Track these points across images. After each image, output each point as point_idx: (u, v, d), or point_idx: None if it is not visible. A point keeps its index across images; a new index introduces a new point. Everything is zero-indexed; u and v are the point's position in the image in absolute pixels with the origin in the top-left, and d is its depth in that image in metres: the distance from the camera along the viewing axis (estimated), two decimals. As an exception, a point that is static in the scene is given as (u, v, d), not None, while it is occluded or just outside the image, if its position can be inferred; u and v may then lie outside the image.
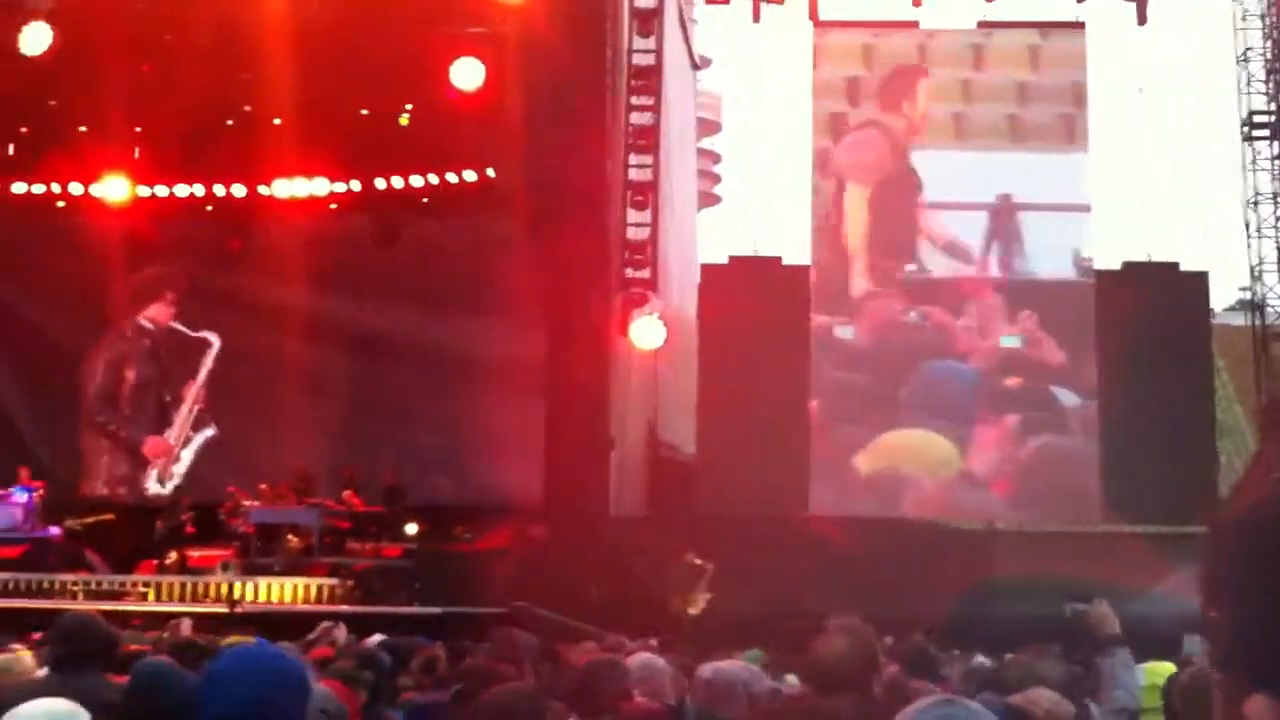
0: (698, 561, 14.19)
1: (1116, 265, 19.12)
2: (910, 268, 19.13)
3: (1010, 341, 18.81)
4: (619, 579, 14.56)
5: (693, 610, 13.55)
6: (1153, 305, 18.02)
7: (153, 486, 19.51)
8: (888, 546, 15.99)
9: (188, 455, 19.68)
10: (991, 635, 10.19)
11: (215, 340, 19.52)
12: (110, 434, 19.85)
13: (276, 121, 18.03)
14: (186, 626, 8.87)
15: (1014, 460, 18.42)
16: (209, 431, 19.61)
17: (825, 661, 3.49)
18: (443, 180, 19.11)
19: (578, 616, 12.05)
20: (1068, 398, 18.66)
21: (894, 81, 19.36)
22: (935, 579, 14.99)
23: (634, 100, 17.03)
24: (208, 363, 19.61)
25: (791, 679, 6.49)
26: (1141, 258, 19.22)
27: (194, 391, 19.63)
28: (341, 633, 8.41)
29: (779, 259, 19.55)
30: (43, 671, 5.41)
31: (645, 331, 16.50)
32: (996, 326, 18.94)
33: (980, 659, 6.57)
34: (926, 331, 18.91)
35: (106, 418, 19.83)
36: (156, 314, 19.78)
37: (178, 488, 19.42)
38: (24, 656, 6.72)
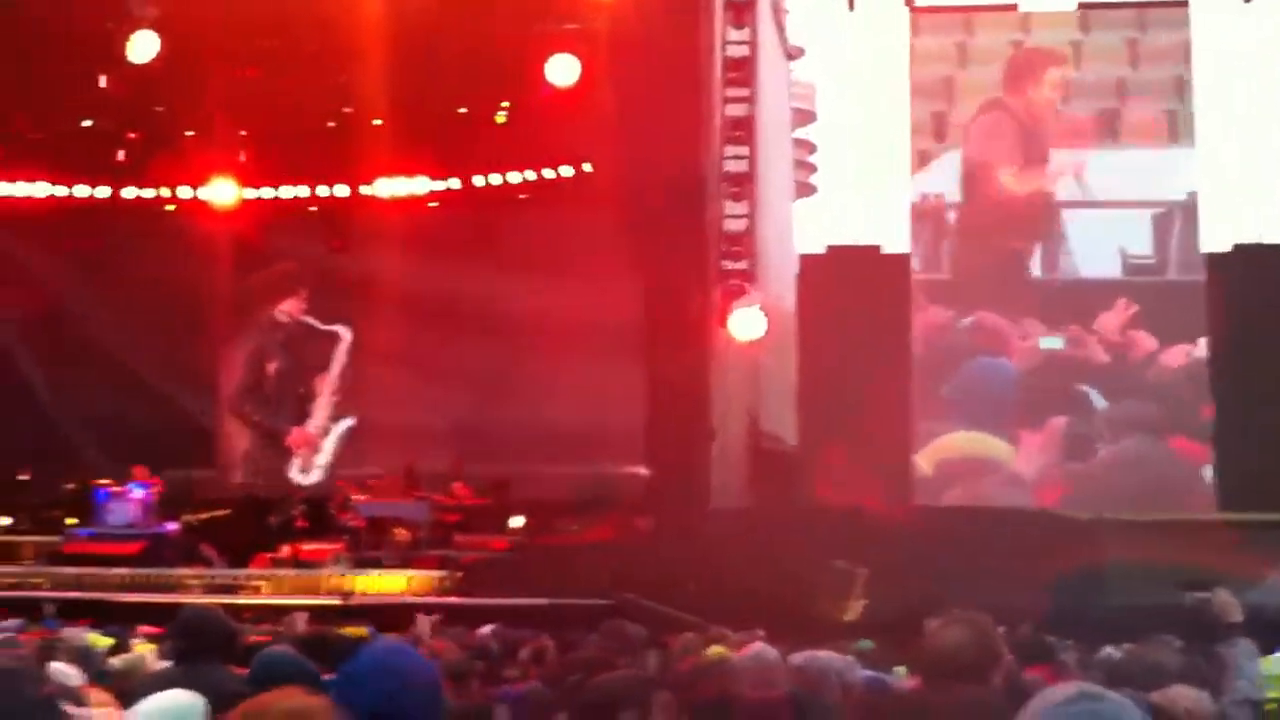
0: (849, 567, 13.99)
1: (1227, 248, 18.68)
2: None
3: (1051, 343, 18.53)
4: (722, 570, 14.55)
5: (849, 617, 13.37)
6: (1265, 287, 17.57)
7: (296, 476, 19.97)
8: (994, 536, 15.77)
9: (328, 445, 20.12)
10: (1103, 626, 10.02)
11: (346, 333, 19.93)
12: (255, 425, 20.35)
13: (376, 122, 18.29)
14: (301, 620, 9.05)
15: (1065, 464, 18.15)
16: (348, 422, 20.03)
17: (942, 651, 3.44)
18: (539, 176, 19.27)
19: (681, 608, 12.05)
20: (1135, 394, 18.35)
21: (1016, 65, 19.07)
22: (1043, 569, 14.75)
23: (729, 92, 16.96)
24: (340, 355, 20.06)
25: (901, 671, 6.45)
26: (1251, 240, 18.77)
27: (329, 383, 20.06)
28: (425, 625, 8.54)
29: (877, 247, 19.40)
30: (164, 664, 5.57)
31: (745, 323, 16.44)
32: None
33: (1109, 650, 6.46)
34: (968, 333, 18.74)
35: (251, 409, 20.33)
36: (290, 308, 20.25)
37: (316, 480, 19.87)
38: (145, 655, 6.93)
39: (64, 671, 5.22)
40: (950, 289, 19.27)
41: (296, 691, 2.04)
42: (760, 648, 5.19)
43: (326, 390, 20.11)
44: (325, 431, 20.13)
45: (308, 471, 20.00)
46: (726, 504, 16.01)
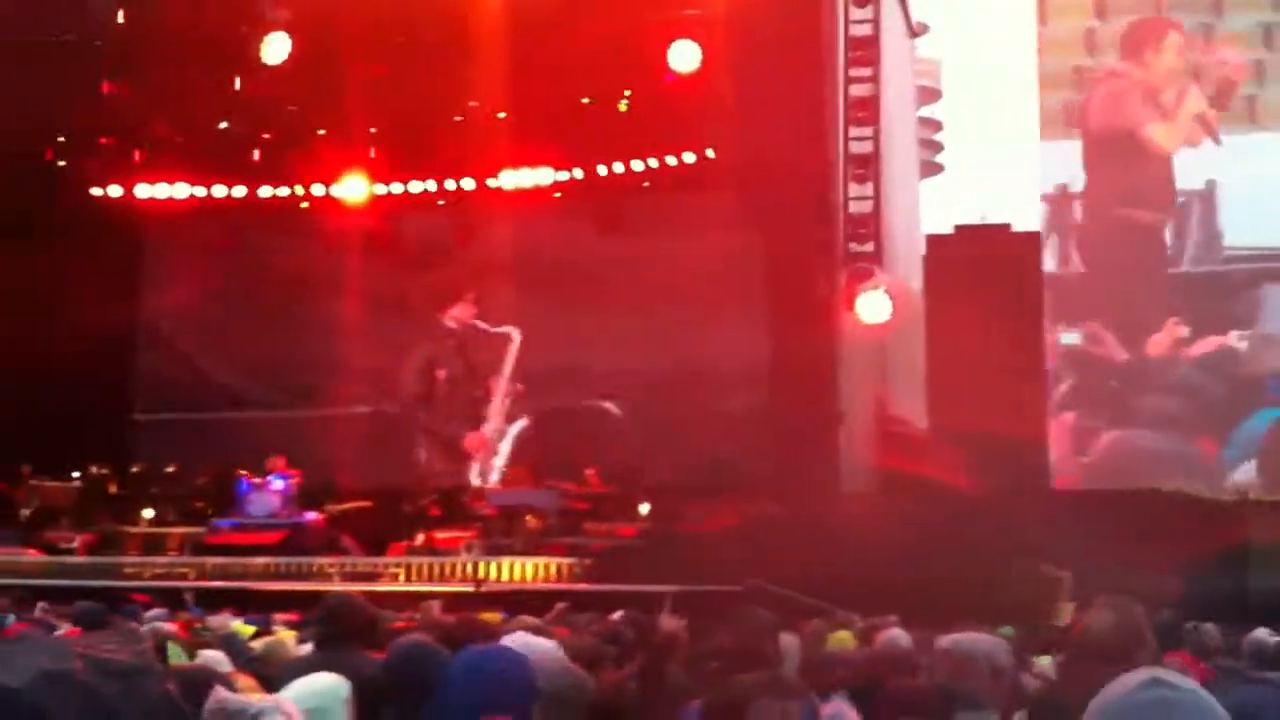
0: (1054, 571, 13.73)
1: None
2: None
3: (1070, 339, 18.10)
4: (851, 555, 14.44)
5: (1059, 622, 13.12)
6: None
7: (475, 480, 20.28)
8: (1134, 519, 15.39)
9: (504, 448, 20.39)
10: (1247, 609, 9.73)
11: (516, 334, 20.14)
12: (431, 433, 20.71)
13: (501, 115, 18.52)
14: (436, 607, 9.23)
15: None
16: (521, 422, 20.27)
17: (1089, 635, 3.40)
18: (662, 163, 19.32)
19: (811, 594, 12.01)
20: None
21: (1137, 33, 18.58)
22: (1183, 551, 14.36)
23: (852, 72, 16.79)
24: (511, 356, 20.25)
25: (1044, 661, 6.36)
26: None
27: (502, 385, 20.32)
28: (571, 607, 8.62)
29: (1007, 225, 19.03)
30: (307, 648, 5.72)
31: (871, 305, 16.28)
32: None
33: (1262, 633, 6.25)
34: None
35: (426, 417, 20.69)
36: (460, 313, 20.48)
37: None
38: (285, 639, 7.12)
39: (213, 657, 5.40)
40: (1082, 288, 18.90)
41: None
42: (896, 634, 5.15)
43: (500, 393, 20.34)
44: (501, 434, 20.36)
45: (486, 477, 20.24)
46: (855, 489, 15.89)
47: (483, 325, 20.14)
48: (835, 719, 4.02)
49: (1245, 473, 19.21)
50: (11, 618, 8.71)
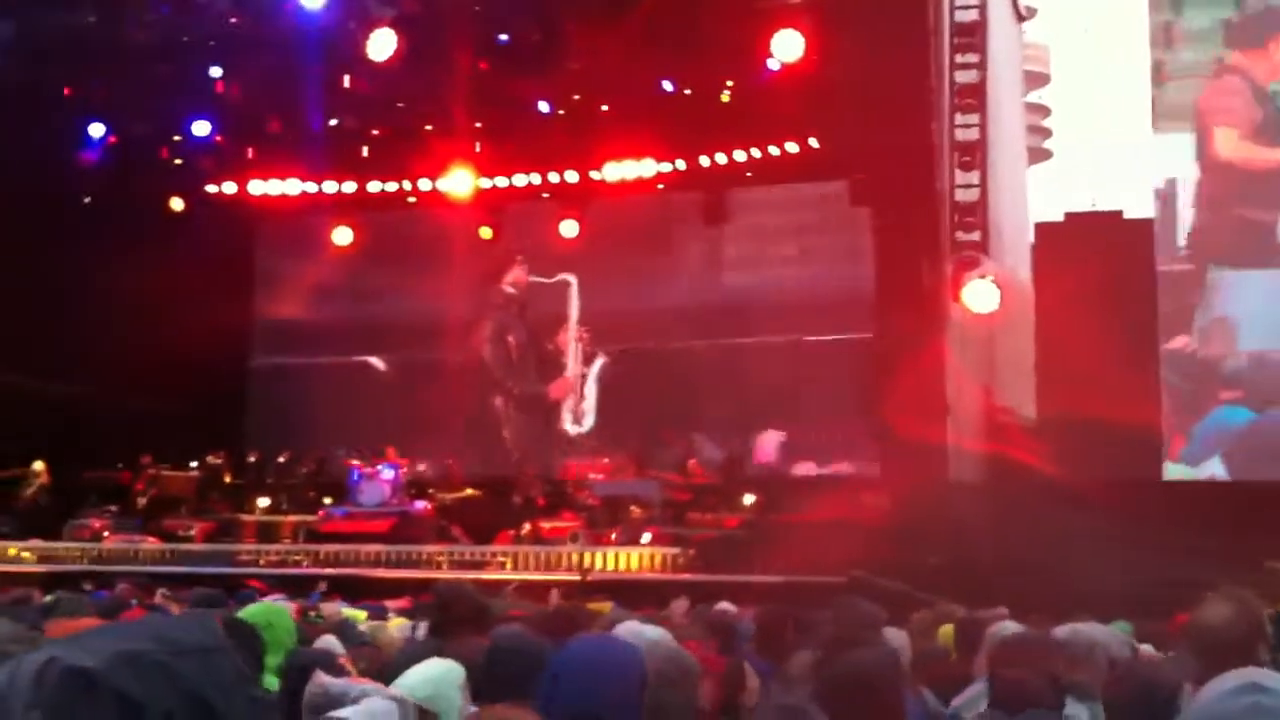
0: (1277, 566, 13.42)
1: None
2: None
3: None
4: (959, 547, 14.29)
5: None
6: None
7: (571, 429, 20.59)
8: (1251, 510, 15.01)
9: (591, 390, 20.68)
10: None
11: (573, 279, 20.45)
12: (515, 397, 21.06)
13: (604, 108, 18.60)
14: (555, 596, 9.38)
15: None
16: (601, 360, 20.55)
17: (1209, 630, 3.33)
18: (765, 153, 19.26)
19: (919, 586, 11.91)
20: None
21: (1256, 25, 18.01)
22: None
23: (958, 58, 16.54)
24: (573, 301, 20.60)
25: (1146, 648, 6.24)
26: None
27: (571, 330, 20.63)
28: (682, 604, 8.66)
29: (1119, 213, 18.64)
30: (420, 633, 5.84)
31: (979, 295, 16.05)
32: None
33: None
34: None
35: (511, 383, 21.06)
36: (515, 278, 20.86)
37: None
38: (389, 627, 7.27)
39: (327, 643, 5.54)
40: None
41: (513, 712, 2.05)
42: (1008, 626, 5.10)
43: (571, 338, 20.64)
44: (583, 377, 20.65)
45: (580, 421, 20.54)
46: (963, 479, 15.70)
47: (539, 279, 20.43)
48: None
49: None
50: (133, 602, 9.01)
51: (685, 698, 3.33)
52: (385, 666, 4.75)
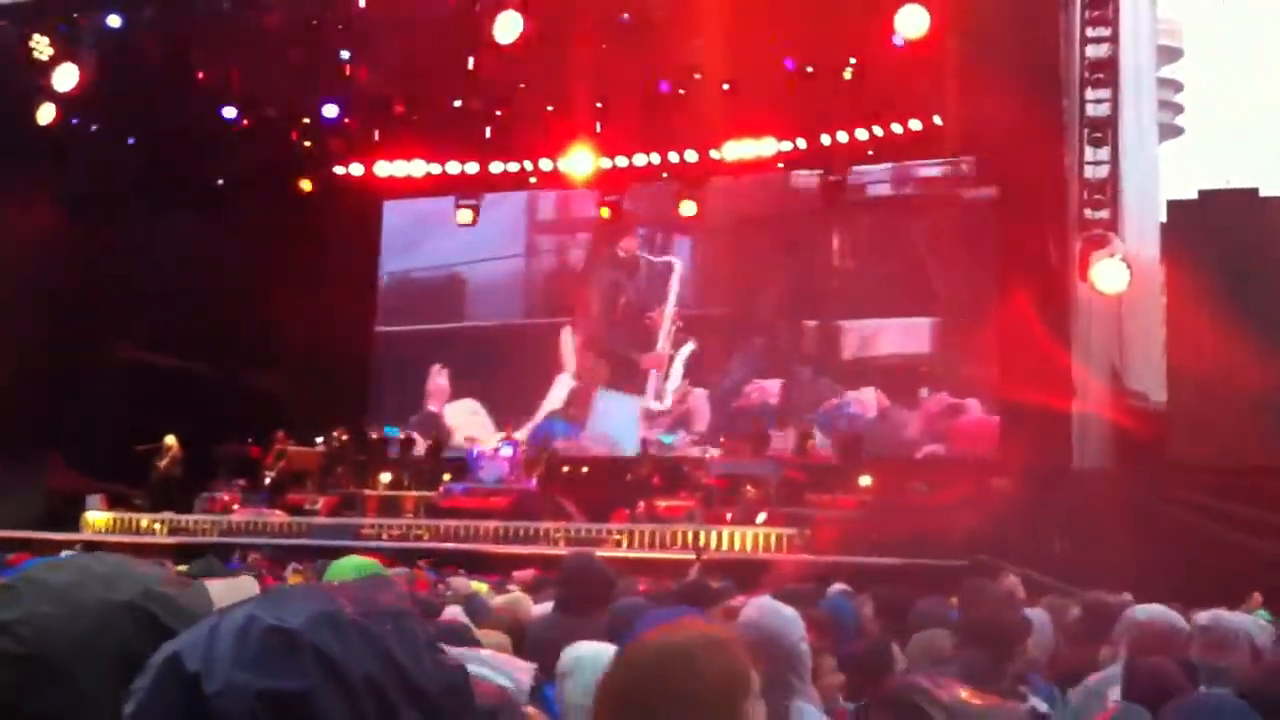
0: None
1: None
2: None
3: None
4: (1084, 532, 14.02)
5: None
6: None
7: (652, 404, 20.81)
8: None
9: (677, 371, 20.88)
10: None
11: (678, 262, 20.78)
12: (611, 354, 21.31)
13: (725, 86, 18.52)
14: (695, 570, 9.43)
15: None
16: (690, 346, 20.74)
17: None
18: (888, 131, 19.02)
19: (1043, 571, 11.72)
20: None
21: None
22: None
23: (1089, 32, 16.16)
24: (674, 284, 20.79)
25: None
26: None
27: (668, 312, 20.81)
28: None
29: (1255, 190, 18.04)
30: (546, 608, 5.90)
31: (1107, 275, 15.68)
32: None
33: None
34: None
35: (609, 339, 21.38)
36: (627, 245, 21.24)
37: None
38: (522, 597, 7.36)
39: (455, 613, 5.63)
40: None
41: (694, 625, 2.06)
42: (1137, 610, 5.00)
43: (667, 319, 20.79)
44: (671, 358, 20.81)
45: (661, 399, 20.73)
46: (1088, 464, 15.39)
47: (647, 256, 20.68)
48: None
49: None
50: (263, 573, 9.27)
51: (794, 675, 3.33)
52: (512, 638, 4.81)
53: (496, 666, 3.29)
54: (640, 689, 1.92)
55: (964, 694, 1.39)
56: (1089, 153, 15.61)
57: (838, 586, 8.09)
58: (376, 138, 21.21)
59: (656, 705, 1.89)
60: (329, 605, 1.10)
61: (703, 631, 2.04)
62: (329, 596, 1.12)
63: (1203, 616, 4.50)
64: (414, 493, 18.98)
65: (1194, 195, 18.13)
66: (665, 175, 20.80)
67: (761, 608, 3.45)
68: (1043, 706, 4.23)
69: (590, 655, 3.09)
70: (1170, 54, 42.44)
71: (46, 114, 18.39)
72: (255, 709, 1.04)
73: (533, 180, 21.39)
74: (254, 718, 1.03)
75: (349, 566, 3.68)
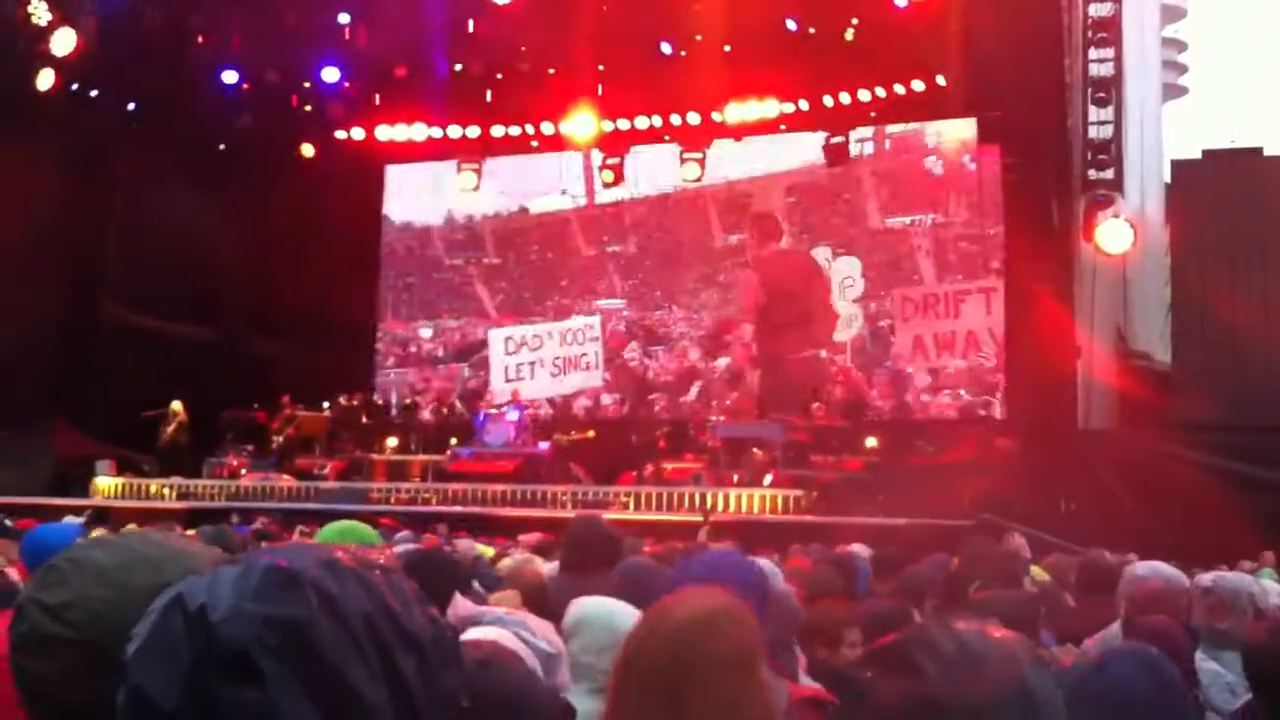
0: None
1: None
2: None
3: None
4: (1089, 493, 14.06)
5: None
6: None
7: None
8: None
9: None
10: None
11: None
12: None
13: (727, 48, 18.43)
14: (704, 533, 9.47)
15: None
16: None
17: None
18: (890, 92, 18.93)
19: (1047, 530, 11.76)
20: None
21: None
22: None
23: (1092, -10, 16.06)
24: None
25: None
26: None
27: None
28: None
29: (1259, 150, 17.97)
30: (551, 569, 5.93)
31: (1111, 235, 15.66)
32: None
33: None
34: None
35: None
36: None
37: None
38: (534, 557, 7.39)
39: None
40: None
41: (713, 593, 2.08)
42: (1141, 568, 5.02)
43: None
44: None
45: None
46: (1093, 425, 15.41)
47: None
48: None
49: None
50: (271, 537, 9.31)
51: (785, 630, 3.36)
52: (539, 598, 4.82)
53: (530, 630, 3.32)
54: (664, 655, 1.95)
55: (983, 628, 1.40)
56: (1093, 113, 15.55)
57: (854, 547, 8.12)
58: (377, 102, 21.12)
59: (678, 673, 1.92)
60: (325, 553, 1.12)
61: (722, 600, 2.07)
62: (325, 548, 1.14)
63: (1205, 578, 4.51)
64: (421, 457, 19.03)
65: (1198, 155, 18.08)
66: (667, 138, 20.70)
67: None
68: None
69: (594, 613, 3.10)
70: (1174, 13, 42.12)
71: (46, 80, 18.31)
72: (262, 634, 1.05)
73: (534, 144, 21.30)
74: (260, 643, 1.04)
75: (334, 531, 3.72)
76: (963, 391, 18.79)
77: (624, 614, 3.00)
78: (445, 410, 20.69)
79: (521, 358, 21.70)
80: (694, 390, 20.56)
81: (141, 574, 1.36)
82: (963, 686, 1.30)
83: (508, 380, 21.16)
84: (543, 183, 21.80)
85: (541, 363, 21.61)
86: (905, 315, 19.34)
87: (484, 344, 22.04)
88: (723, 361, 20.57)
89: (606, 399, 21.07)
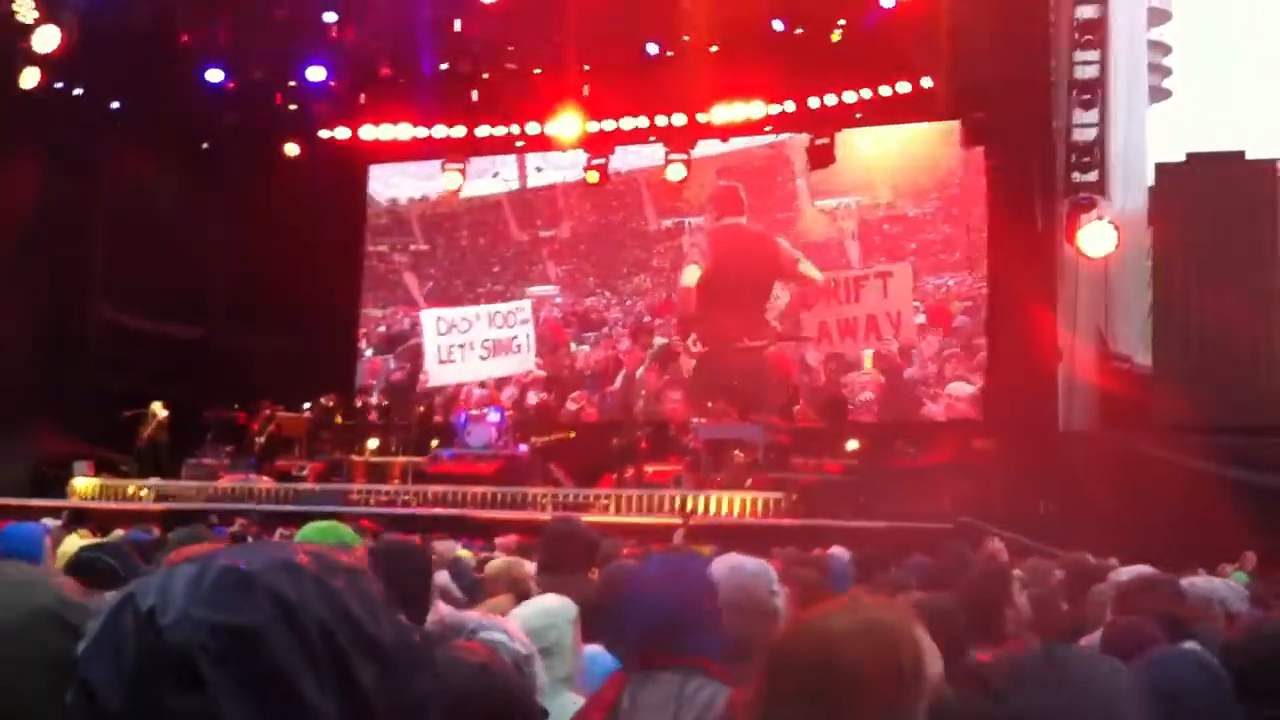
0: None
1: None
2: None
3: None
4: (1070, 495, 14.08)
5: None
6: None
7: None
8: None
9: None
10: None
11: None
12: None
13: (713, 48, 18.42)
14: (679, 536, 9.44)
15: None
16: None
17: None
18: (876, 93, 18.94)
19: (1027, 533, 11.77)
20: None
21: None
22: None
23: (1078, -7, 16.08)
24: None
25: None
26: None
27: None
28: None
29: (1242, 153, 18.02)
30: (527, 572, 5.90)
31: (1094, 237, 15.67)
32: None
33: None
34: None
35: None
36: None
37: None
38: (521, 560, 7.36)
39: (440, 580, 5.63)
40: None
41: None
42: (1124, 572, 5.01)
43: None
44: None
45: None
46: (1074, 427, 15.43)
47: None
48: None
49: None
50: (250, 539, 9.27)
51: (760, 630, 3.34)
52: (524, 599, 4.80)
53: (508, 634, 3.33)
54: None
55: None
56: (1077, 115, 15.57)
57: (835, 549, 8.13)
58: (362, 101, 21.05)
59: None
60: (286, 555, 1.11)
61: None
62: (287, 549, 1.13)
63: (1181, 581, 4.51)
64: (402, 458, 18.96)
65: (1182, 158, 18.13)
66: (653, 138, 20.68)
67: (729, 563, 3.47)
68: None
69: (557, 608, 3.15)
70: (1160, 16, 42.26)
71: (30, 78, 18.21)
72: (207, 642, 1.04)
73: (519, 144, 21.25)
74: (206, 651, 1.04)
75: (313, 531, 3.71)
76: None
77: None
78: (429, 412, 20.64)
79: (452, 339, 21.63)
80: (619, 380, 20.55)
81: (16, 594, 1.35)
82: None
83: (440, 362, 21.19)
84: (474, 166, 21.66)
85: (471, 345, 21.53)
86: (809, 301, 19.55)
87: (411, 334, 21.97)
88: (659, 341, 20.55)
89: (532, 396, 21.00)
